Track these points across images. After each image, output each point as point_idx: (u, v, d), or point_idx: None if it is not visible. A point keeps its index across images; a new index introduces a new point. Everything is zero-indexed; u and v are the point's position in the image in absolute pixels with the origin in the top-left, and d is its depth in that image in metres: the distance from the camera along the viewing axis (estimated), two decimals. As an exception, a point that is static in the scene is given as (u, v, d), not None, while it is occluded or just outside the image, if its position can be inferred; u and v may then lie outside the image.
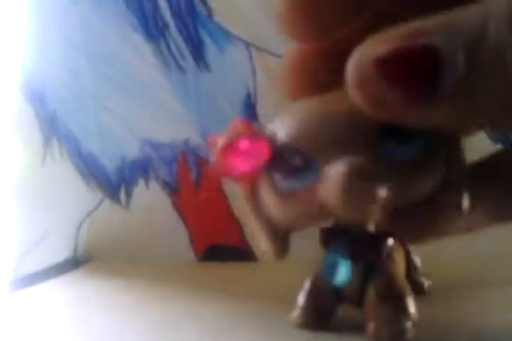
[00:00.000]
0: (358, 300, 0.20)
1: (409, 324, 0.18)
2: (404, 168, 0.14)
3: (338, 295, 0.20)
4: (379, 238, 0.19)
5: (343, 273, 0.19)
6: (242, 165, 0.15)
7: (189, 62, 0.37)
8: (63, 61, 0.39)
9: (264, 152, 0.15)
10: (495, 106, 0.12)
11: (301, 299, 0.21)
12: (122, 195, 0.39)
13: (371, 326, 0.19)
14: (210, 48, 0.37)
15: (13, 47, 0.40)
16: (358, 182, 0.13)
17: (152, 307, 0.25)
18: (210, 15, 0.37)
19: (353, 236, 0.19)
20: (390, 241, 0.20)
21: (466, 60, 0.11)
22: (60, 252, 0.39)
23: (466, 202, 0.15)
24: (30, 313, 0.24)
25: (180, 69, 0.38)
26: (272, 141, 0.15)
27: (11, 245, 0.40)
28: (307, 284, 0.21)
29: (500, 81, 0.11)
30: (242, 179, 0.16)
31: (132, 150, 0.38)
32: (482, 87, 0.11)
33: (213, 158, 0.15)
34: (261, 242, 0.17)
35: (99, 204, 0.39)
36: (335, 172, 0.13)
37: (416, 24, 0.12)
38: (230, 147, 0.15)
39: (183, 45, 0.37)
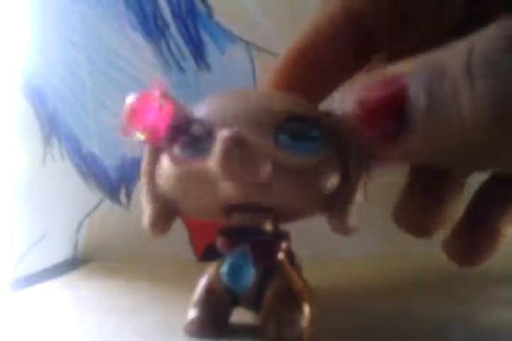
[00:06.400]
0: (255, 304, 0.19)
1: (307, 324, 0.18)
2: (299, 161, 0.15)
3: (234, 299, 0.19)
4: (276, 240, 0.19)
5: (246, 277, 0.18)
6: (146, 121, 0.16)
7: (189, 62, 0.37)
8: (63, 61, 0.39)
9: (169, 113, 0.16)
10: (451, 149, 0.12)
11: (195, 305, 0.20)
12: (122, 195, 0.39)
13: (271, 328, 0.18)
14: (211, 48, 0.37)
15: (14, 47, 0.40)
16: (238, 147, 0.13)
17: (152, 307, 0.25)
18: (210, 15, 0.37)
19: (253, 238, 0.18)
20: (284, 244, 0.19)
21: (427, 100, 0.12)
22: (60, 252, 0.39)
23: (352, 222, 0.16)
24: (31, 313, 0.24)
25: (181, 69, 0.38)
26: (181, 108, 0.16)
27: (11, 245, 0.40)
28: (202, 288, 0.20)
29: (455, 126, 0.11)
30: (143, 134, 0.17)
31: (132, 150, 0.38)
32: (440, 129, 0.12)
33: (125, 114, 0.16)
34: (145, 214, 0.18)
35: (99, 204, 0.39)
36: (219, 136, 0.14)
37: (391, 70, 0.13)
38: (140, 102, 0.16)
39: (183, 45, 0.37)
